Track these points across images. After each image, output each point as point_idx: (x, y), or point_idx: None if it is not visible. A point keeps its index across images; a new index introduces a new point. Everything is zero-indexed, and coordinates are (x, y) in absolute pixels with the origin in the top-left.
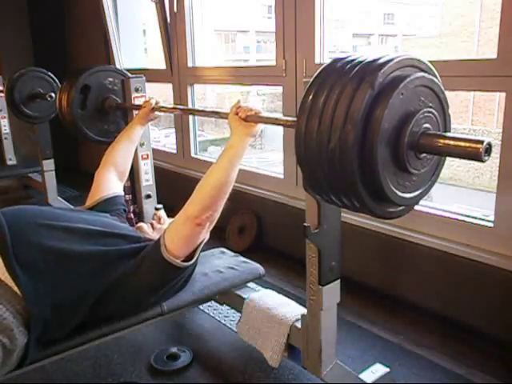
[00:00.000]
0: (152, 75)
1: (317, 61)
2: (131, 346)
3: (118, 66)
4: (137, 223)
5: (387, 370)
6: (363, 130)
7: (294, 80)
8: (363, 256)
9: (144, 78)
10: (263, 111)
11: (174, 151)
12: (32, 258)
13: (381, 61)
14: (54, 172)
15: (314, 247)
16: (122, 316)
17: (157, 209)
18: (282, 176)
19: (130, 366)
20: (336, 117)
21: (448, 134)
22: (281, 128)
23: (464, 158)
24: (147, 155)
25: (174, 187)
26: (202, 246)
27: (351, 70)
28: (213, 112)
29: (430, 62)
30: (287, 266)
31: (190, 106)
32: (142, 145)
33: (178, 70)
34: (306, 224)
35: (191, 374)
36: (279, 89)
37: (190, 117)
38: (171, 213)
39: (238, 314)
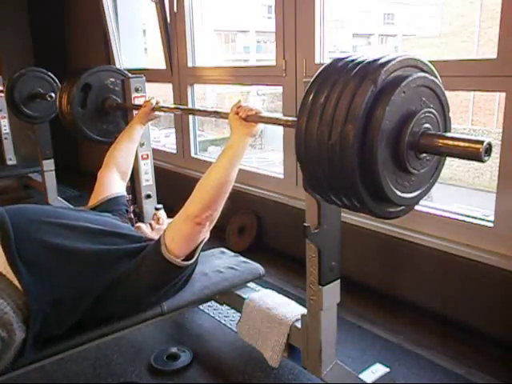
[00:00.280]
0: (152, 75)
1: (317, 61)
2: (131, 346)
3: (118, 66)
4: (137, 223)
5: (387, 369)
6: (364, 127)
7: (294, 80)
8: (363, 256)
9: (144, 77)
10: (263, 111)
11: (174, 151)
12: (34, 254)
13: (383, 60)
14: (54, 172)
15: (313, 247)
16: (122, 315)
17: (157, 209)
18: (282, 176)
19: (129, 365)
20: (337, 114)
21: (448, 134)
22: (281, 128)
23: (464, 158)
24: (147, 155)
25: (174, 187)
26: (202, 245)
27: (352, 69)
28: (213, 112)
29: (430, 61)
30: (287, 266)
31: (190, 106)
32: (142, 145)
33: (178, 70)
34: (305, 224)
35: (191, 374)
36: (279, 89)
37: (190, 117)
38: (171, 213)
39: (238, 314)
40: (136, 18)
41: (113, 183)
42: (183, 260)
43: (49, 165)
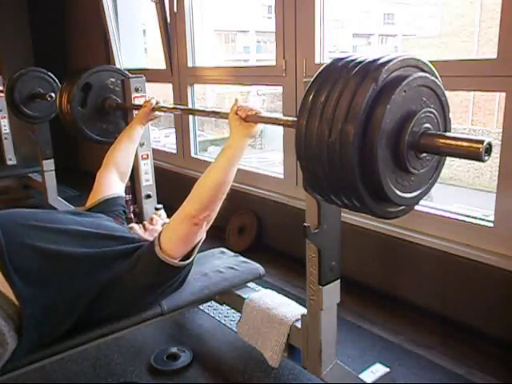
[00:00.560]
0: (152, 75)
1: (317, 61)
2: (131, 346)
3: (118, 66)
4: (137, 223)
5: (387, 369)
6: (364, 126)
7: (294, 80)
8: (363, 256)
9: (144, 78)
10: (263, 111)
11: (174, 151)
12: (26, 259)
13: (384, 59)
14: (53, 172)
15: (313, 247)
16: (120, 316)
17: (157, 209)
18: (282, 176)
19: (129, 365)
20: (337, 113)
21: (448, 134)
22: (281, 128)
23: (464, 158)
24: (147, 155)
25: (174, 187)
26: (199, 245)
27: (353, 69)
28: (213, 112)
29: (430, 61)
30: (287, 266)
31: (190, 106)
32: (141, 145)
33: (178, 69)
34: (305, 224)
35: (191, 374)
36: (279, 89)
37: (190, 117)
38: (171, 213)
39: (238, 314)
40: (136, 18)
41: (111, 184)
42: (180, 260)
43: (49, 165)
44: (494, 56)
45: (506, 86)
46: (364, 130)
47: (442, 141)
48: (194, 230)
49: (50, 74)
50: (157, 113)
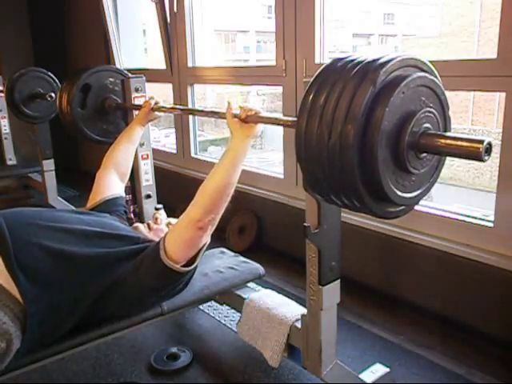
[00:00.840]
0: (152, 75)
1: (317, 61)
2: (131, 346)
3: (118, 66)
4: (141, 223)
5: (387, 369)
6: (364, 128)
7: (294, 80)
8: (363, 256)
9: (144, 78)
10: (263, 111)
11: (174, 151)
12: (32, 258)
13: (382, 60)
14: (53, 172)
15: (314, 247)
16: (122, 316)
17: (157, 209)
18: (282, 176)
19: (129, 365)
20: (337, 114)
21: (448, 134)
22: (281, 128)
23: (464, 158)
24: (147, 155)
25: (174, 187)
26: (203, 249)
27: (352, 69)
28: (213, 112)
29: (430, 62)
30: (287, 266)
31: (189, 106)
32: (141, 145)
33: (178, 69)
34: (305, 224)
35: (191, 374)
36: (279, 89)
37: (190, 117)
38: (171, 213)
39: (238, 314)
40: (136, 18)
41: (111, 184)
42: (184, 265)
43: (49, 165)
44: (494, 56)
45: (506, 85)
46: (364, 131)
47: (441, 141)
48: (198, 233)
49: (49, 74)
50: (157, 113)
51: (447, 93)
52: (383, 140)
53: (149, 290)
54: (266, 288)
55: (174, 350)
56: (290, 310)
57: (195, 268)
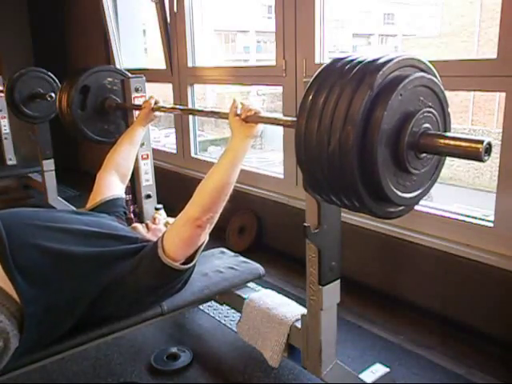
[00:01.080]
0: (152, 75)
1: (317, 61)
2: (131, 346)
3: (118, 66)
4: (140, 223)
5: (387, 369)
6: (363, 131)
7: (294, 80)
8: (363, 256)
9: (144, 78)
10: (263, 111)
11: (174, 151)
12: (29, 259)
13: (380, 61)
14: (53, 172)
15: (314, 247)
16: (120, 317)
17: (157, 209)
18: (281, 176)
19: (129, 366)
20: (336, 118)
21: (448, 134)
22: (281, 128)
23: (464, 158)
24: (147, 155)
25: (174, 187)
26: (202, 248)
27: (351, 71)
28: (213, 112)
29: (430, 62)
30: (287, 266)
31: (189, 106)
32: (141, 145)
33: (178, 69)
34: (305, 224)
35: (191, 374)
36: (279, 89)
37: (190, 117)
38: (171, 213)
39: (238, 314)
40: (136, 18)
41: (111, 185)
42: (182, 263)
43: (49, 165)
44: (494, 56)
45: (506, 85)
46: (363, 133)
47: (441, 141)
48: (197, 232)
49: (50, 74)
50: (157, 113)
51: (447, 93)
52: (383, 142)
53: (147, 289)
54: (266, 288)
55: (174, 350)
56: (290, 310)
57: (194, 266)
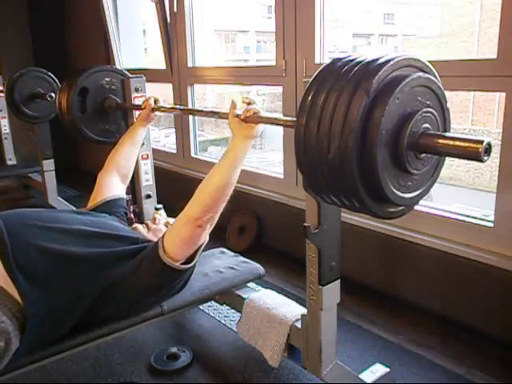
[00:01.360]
0: (152, 75)
1: (317, 61)
2: (131, 346)
3: (118, 66)
4: (140, 223)
5: (387, 369)
6: (362, 136)
7: (294, 80)
8: (363, 256)
9: (144, 77)
10: (263, 111)
11: (174, 151)
12: (31, 259)
13: (377, 63)
14: (53, 172)
15: (314, 247)
16: (122, 317)
17: (157, 209)
18: (281, 176)
19: (129, 365)
20: (334, 122)
21: (447, 134)
22: (281, 128)
23: (464, 158)
24: (147, 155)
25: (174, 187)
26: (202, 248)
27: (349, 72)
28: (212, 112)
29: (430, 62)
30: (287, 266)
31: (189, 106)
32: (142, 145)
33: (178, 69)
34: (305, 224)
35: (191, 374)
36: (279, 89)
37: (190, 117)
38: (171, 213)
39: (238, 314)
40: (136, 18)
41: (112, 186)
42: (183, 263)
43: (49, 165)
44: (494, 56)
45: (506, 85)
46: (362, 139)
47: (441, 141)
48: (197, 232)
49: (50, 74)
50: (157, 112)
51: (447, 93)
52: (382, 145)
53: (148, 289)
54: (266, 288)
55: (174, 350)
56: (290, 310)
57: (194, 266)
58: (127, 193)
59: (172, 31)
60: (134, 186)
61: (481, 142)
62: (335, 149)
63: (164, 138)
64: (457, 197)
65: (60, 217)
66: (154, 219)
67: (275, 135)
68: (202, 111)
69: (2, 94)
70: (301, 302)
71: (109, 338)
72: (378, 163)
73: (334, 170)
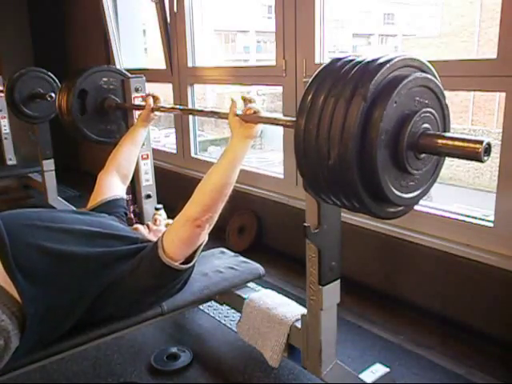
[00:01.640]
0: (152, 75)
1: (317, 61)
2: (131, 346)
3: (118, 66)
4: (141, 224)
5: (387, 369)
6: (361, 140)
7: (294, 80)
8: (363, 256)
9: (144, 77)
10: (263, 111)
11: (174, 151)
12: (30, 259)
13: (375, 65)
14: (54, 172)
15: (314, 247)
16: (121, 317)
17: (157, 209)
18: (282, 176)
19: (129, 366)
20: (333, 126)
21: (447, 134)
22: (281, 128)
23: (463, 159)
24: (147, 155)
25: (174, 187)
26: (201, 248)
27: (348, 73)
28: (212, 112)
29: (430, 62)
30: (287, 266)
31: (189, 106)
32: (142, 145)
33: (178, 69)
34: (305, 224)
35: (191, 374)
36: (279, 89)
37: (190, 117)
38: (171, 213)
39: (238, 314)
40: (136, 18)
41: (112, 186)
42: (182, 263)
43: (49, 165)
44: (494, 56)
45: (506, 85)
46: (362, 137)
47: (440, 141)
48: (196, 232)
49: (50, 74)
50: (157, 112)
51: (447, 93)
52: (382, 147)
53: (147, 289)
54: (266, 288)
55: (174, 350)
56: (290, 309)
57: (193, 266)
58: (127, 193)
59: (172, 31)
60: (134, 186)
61: (480, 142)
62: (335, 155)
63: (164, 138)
64: (457, 197)
65: (60, 216)
66: (155, 220)
67: (275, 135)
68: (202, 111)
69: (2, 94)
70: (301, 302)
71: (109, 338)
72: (378, 164)
73: (335, 173)
